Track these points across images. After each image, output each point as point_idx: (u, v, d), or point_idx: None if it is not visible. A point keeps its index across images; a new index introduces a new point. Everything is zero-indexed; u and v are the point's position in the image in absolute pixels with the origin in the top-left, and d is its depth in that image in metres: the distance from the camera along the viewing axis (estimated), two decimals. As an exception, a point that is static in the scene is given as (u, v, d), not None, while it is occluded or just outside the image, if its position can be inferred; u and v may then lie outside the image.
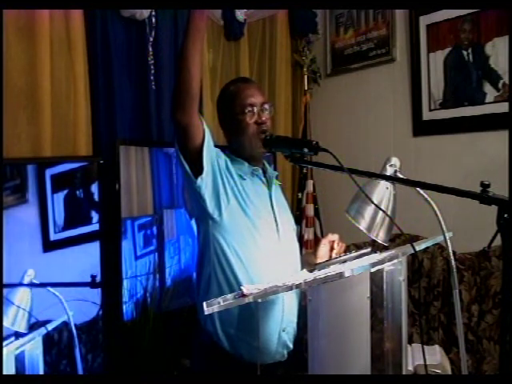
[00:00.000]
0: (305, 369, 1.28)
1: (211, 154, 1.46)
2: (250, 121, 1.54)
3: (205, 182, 1.44)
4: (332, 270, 1.04)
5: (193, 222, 2.28)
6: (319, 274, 1.00)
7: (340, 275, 0.97)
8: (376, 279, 1.09)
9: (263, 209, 1.55)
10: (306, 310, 1.52)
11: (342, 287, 1.05)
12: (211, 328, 1.50)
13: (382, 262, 1.10)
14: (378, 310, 1.10)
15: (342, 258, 1.28)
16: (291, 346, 1.55)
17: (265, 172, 1.63)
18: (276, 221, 1.56)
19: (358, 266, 1.02)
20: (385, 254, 1.14)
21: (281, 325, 1.50)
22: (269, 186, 1.61)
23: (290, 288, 0.94)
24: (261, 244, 1.50)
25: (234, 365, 1.48)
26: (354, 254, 1.33)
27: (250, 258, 1.48)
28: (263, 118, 1.54)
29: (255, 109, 1.55)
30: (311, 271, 1.06)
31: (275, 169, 2.85)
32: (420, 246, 1.25)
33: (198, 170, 1.43)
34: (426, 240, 1.33)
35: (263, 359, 1.49)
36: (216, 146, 1.53)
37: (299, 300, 1.59)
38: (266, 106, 1.57)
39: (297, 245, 1.66)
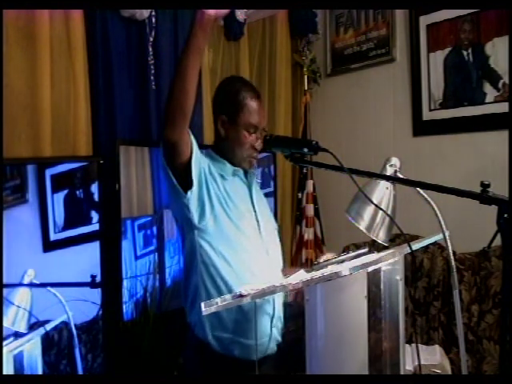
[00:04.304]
0: (294, 359, 1.32)
1: (199, 167, 1.47)
2: (248, 141, 1.56)
3: (193, 196, 1.46)
4: (329, 269, 1.04)
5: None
6: (316, 273, 1.00)
7: (337, 275, 0.97)
8: (374, 279, 1.10)
9: (245, 209, 1.57)
10: (290, 303, 1.60)
11: (340, 287, 1.05)
12: (201, 333, 1.52)
13: (379, 261, 1.10)
14: (377, 309, 1.10)
15: (339, 258, 1.28)
16: (280, 339, 1.59)
17: (246, 172, 1.64)
18: (257, 220, 1.59)
19: (355, 266, 1.02)
20: (382, 254, 1.14)
21: (272, 321, 1.54)
22: (249, 186, 1.63)
23: (287, 288, 0.94)
24: (246, 245, 1.52)
25: (227, 363, 1.50)
26: (351, 254, 1.33)
27: (237, 261, 1.50)
28: (259, 146, 1.58)
29: (257, 131, 1.57)
30: (309, 271, 1.07)
31: (275, 169, 2.86)
32: (417, 245, 1.25)
33: (186, 184, 1.44)
34: (423, 239, 1.33)
35: (255, 355, 1.50)
36: (206, 146, 1.54)
37: (284, 294, 1.62)
38: (263, 132, 1.59)
39: (278, 242, 1.69)
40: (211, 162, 1.57)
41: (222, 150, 1.61)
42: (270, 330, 1.53)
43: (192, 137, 1.45)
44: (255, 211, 1.59)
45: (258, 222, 1.58)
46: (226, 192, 1.53)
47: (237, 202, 1.54)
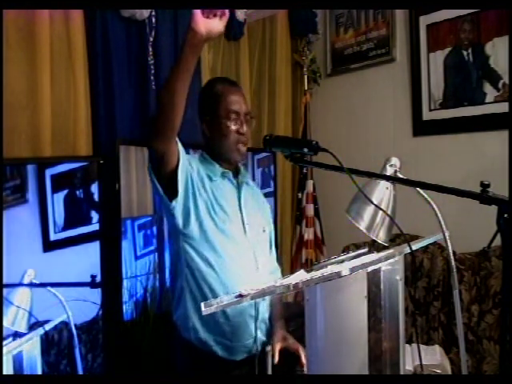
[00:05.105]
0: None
1: (186, 175, 1.47)
2: (232, 128, 1.55)
3: (179, 204, 1.47)
4: (329, 269, 1.03)
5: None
6: (316, 273, 1.00)
7: (337, 275, 0.97)
8: (374, 279, 1.09)
9: (231, 211, 1.56)
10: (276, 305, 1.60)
11: (340, 287, 1.05)
12: (186, 334, 1.54)
13: (378, 261, 1.10)
14: (377, 309, 1.10)
15: (339, 258, 1.28)
16: (266, 339, 1.59)
17: (238, 174, 1.64)
18: (243, 222, 1.58)
19: (355, 266, 1.02)
20: (381, 254, 1.13)
21: (256, 324, 1.54)
22: (238, 188, 1.61)
23: (287, 288, 0.94)
24: (231, 249, 1.52)
25: (212, 362, 1.52)
26: (351, 254, 1.33)
27: (222, 266, 1.50)
28: (244, 129, 1.57)
29: (239, 117, 1.56)
30: (309, 271, 1.07)
31: (275, 169, 2.86)
32: (417, 245, 1.25)
33: (172, 193, 1.45)
34: (423, 239, 1.33)
35: (240, 356, 1.54)
36: (192, 144, 1.53)
37: (271, 300, 1.63)
38: (248, 117, 1.59)
39: (265, 245, 1.68)
40: (201, 163, 1.57)
41: (211, 149, 1.61)
42: (254, 331, 1.54)
43: (180, 145, 1.45)
44: (241, 213, 1.59)
45: (243, 223, 1.58)
46: (213, 194, 1.53)
47: (223, 204, 1.54)
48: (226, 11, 1.26)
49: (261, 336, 1.57)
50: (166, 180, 1.45)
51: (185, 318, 1.54)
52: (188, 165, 1.49)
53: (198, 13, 1.23)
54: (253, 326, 1.54)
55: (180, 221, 1.49)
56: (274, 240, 1.79)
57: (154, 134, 1.39)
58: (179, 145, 1.45)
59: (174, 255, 1.57)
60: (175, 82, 1.32)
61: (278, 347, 1.49)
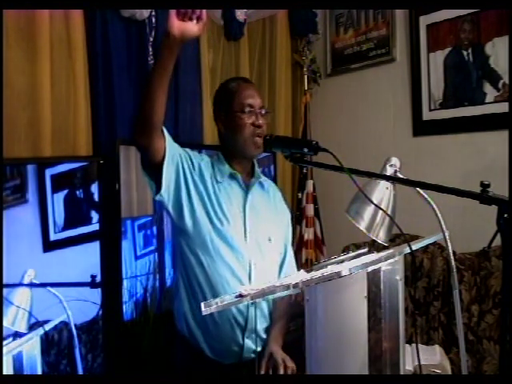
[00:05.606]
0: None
1: (176, 171, 1.47)
2: (247, 121, 1.54)
3: (165, 198, 1.47)
4: (329, 269, 1.03)
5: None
6: (316, 273, 1.00)
7: (337, 275, 0.97)
8: (374, 279, 1.09)
9: (233, 215, 1.53)
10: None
11: (340, 287, 1.05)
12: (179, 325, 1.57)
13: (378, 261, 1.10)
14: (377, 309, 1.10)
15: (339, 258, 1.28)
16: (259, 348, 1.54)
17: (252, 175, 1.62)
18: (245, 228, 1.54)
19: (355, 266, 1.02)
20: (381, 254, 1.13)
21: (244, 333, 1.52)
22: (246, 192, 1.58)
23: (287, 288, 0.94)
24: (225, 254, 1.50)
25: (202, 360, 1.52)
26: (351, 254, 1.33)
27: (214, 269, 1.49)
28: (260, 122, 1.55)
29: (254, 110, 1.55)
30: (309, 271, 1.07)
31: (275, 169, 2.85)
32: (417, 245, 1.25)
33: (158, 186, 1.46)
34: (423, 239, 1.33)
35: (227, 360, 1.53)
36: (192, 144, 1.52)
37: (269, 310, 1.60)
38: (263, 111, 1.58)
39: (270, 256, 1.61)
40: (212, 163, 1.57)
41: (226, 146, 1.60)
42: (241, 340, 1.51)
43: (167, 142, 1.44)
44: (245, 217, 1.55)
45: (245, 230, 1.54)
46: (215, 195, 1.52)
47: (225, 206, 1.52)
48: (204, 15, 1.27)
49: (251, 345, 1.53)
50: (152, 174, 1.47)
51: (178, 310, 1.56)
52: (181, 161, 1.49)
53: (173, 15, 1.25)
54: (239, 334, 1.51)
55: (173, 214, 1.51)
56: (289, 253, 1.70)
57: (136, 130, 1.41)
58: (167, 141, 1.45)
59: (173, 248, 1.63)
60: (154, 81, 1.34)
61: (264, 367, 1.45)
